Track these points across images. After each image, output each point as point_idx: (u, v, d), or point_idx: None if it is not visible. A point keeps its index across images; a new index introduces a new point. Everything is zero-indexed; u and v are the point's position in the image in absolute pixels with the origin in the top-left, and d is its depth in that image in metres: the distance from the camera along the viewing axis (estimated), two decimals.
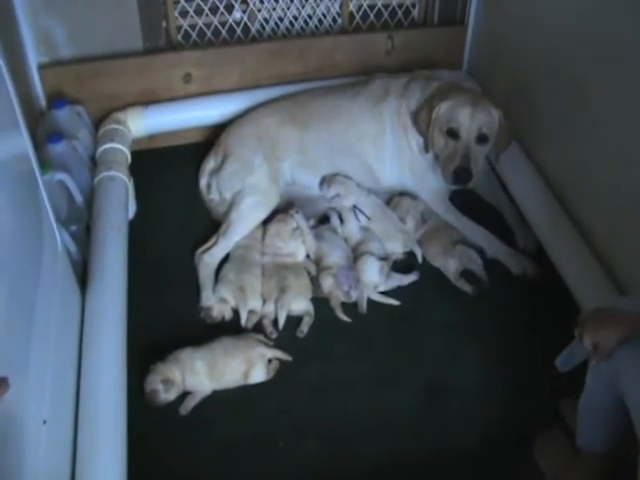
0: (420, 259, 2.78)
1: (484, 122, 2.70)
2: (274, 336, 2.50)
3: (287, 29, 3.44)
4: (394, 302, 2.64)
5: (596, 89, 2.50)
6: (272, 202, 2.87)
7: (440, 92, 2.83)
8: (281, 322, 2.53)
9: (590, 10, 2.50)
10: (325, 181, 2.95)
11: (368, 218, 2.87)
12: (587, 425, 1.96)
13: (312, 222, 2.86)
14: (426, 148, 2.84)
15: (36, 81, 3.02)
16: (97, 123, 3.11)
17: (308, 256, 2.77)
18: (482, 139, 2.72)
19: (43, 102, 3.06)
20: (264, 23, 3.39)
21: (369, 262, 2.67)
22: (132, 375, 2.21)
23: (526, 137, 3.01)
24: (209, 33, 3.31)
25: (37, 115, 3.00)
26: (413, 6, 3.53)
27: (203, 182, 3.01)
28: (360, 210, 2.87)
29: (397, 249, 2.80)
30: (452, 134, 2.72)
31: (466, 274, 2.72)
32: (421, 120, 2.81)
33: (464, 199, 2.99)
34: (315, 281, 2.67)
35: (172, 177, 3.18)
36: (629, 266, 2.36)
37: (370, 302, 2.63)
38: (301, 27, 3.46)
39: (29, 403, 1.65)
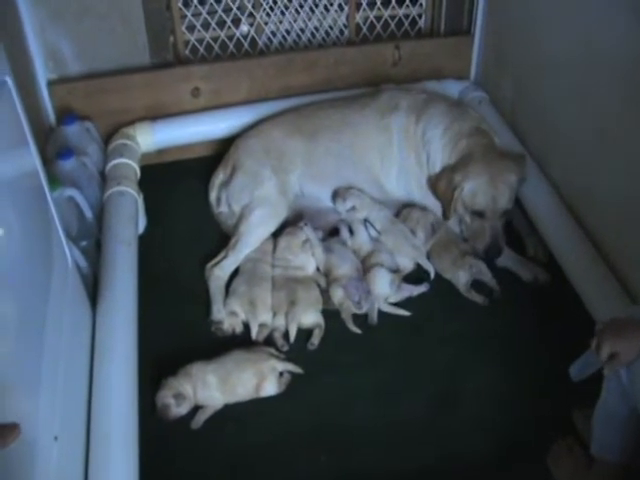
0: (433, 275, 2.76)
1: (507, 200, 2.72)
2: (285, 349, 2.49)
3: (294, 42, 3.46)
4: (404, 313, 2.63)
5: (605, 97, 2.49)
6: (281, 214, 2.87)
7: (458, 158, 2.79)
8: (292, 335, 2.52)
9: (596, 18, 2.50)
10: (339, 194, 2.93)
11: (378, 232, 2.86)
12: (602, 434, 1.94)
13: (321, 234, 2.85)
14: (445, 215, 2.83)
15: (45, 97, 3.05)
16: (106, 138, 3.13)
17: (318, 269, 2.77)
18: (506, 212, 2.76)
19: (52, 118, 3.09)
20: (271, 36, 3.41)
21: (380, 274, 2.66)
22: (143, 390, 2.21)
23: (534, 146, 3.00)
24: (216, 47, 3.33)
25: (46, 131, 3.02)
26: (420, 16, 3.54)
27: (212, 195, 3.01)
28: (370, 224, 2.86)
29: (408, 264, 2.77)
30: (478, 214, 2.74)
31: (476, 284, 2.71)
32: (440, 192, 2.81)
33: None
34: (325, 293, 2.66)
35: (181, 191, 3.19)
36: None
37: (380, 313, 2.62)
38: (308, 40, 3.47)
39: (40, 419, 1.64)
